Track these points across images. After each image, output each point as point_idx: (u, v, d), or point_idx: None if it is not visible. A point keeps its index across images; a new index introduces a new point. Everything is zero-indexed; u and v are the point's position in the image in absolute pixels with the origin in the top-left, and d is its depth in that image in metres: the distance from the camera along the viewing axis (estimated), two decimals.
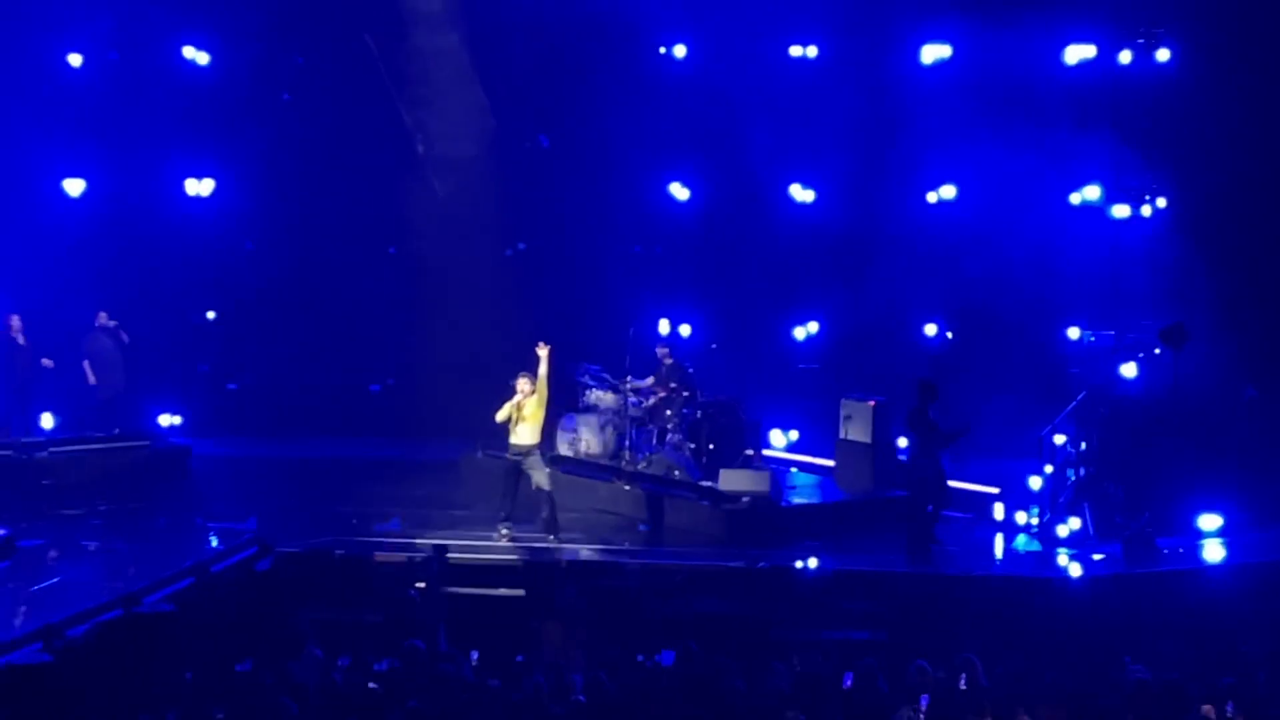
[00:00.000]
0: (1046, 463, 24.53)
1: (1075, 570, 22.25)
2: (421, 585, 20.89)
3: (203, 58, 30.69)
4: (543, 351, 23.01)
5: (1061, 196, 28.50)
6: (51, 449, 26.34)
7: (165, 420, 30.00)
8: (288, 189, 31.37)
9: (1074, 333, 28.19)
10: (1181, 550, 23.25)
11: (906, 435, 23.71)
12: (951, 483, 24.25)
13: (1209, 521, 23.80)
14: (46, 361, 27.61)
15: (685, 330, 30.56)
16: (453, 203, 31.39)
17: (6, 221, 29.52)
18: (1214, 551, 23.11)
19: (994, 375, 28.79)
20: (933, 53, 29.34)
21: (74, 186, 30.10)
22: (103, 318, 28.26)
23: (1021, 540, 24.08)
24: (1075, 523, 23.91)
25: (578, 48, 30.61)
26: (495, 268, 30.77)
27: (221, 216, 31.04)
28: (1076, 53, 27.96)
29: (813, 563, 22.05)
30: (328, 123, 31.07)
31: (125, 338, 28.28)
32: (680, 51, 30.97)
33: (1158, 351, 24.90)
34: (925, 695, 16.93)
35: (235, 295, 31.50)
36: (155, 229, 30.78)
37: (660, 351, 26.90)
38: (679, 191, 31.26)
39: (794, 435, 29.48)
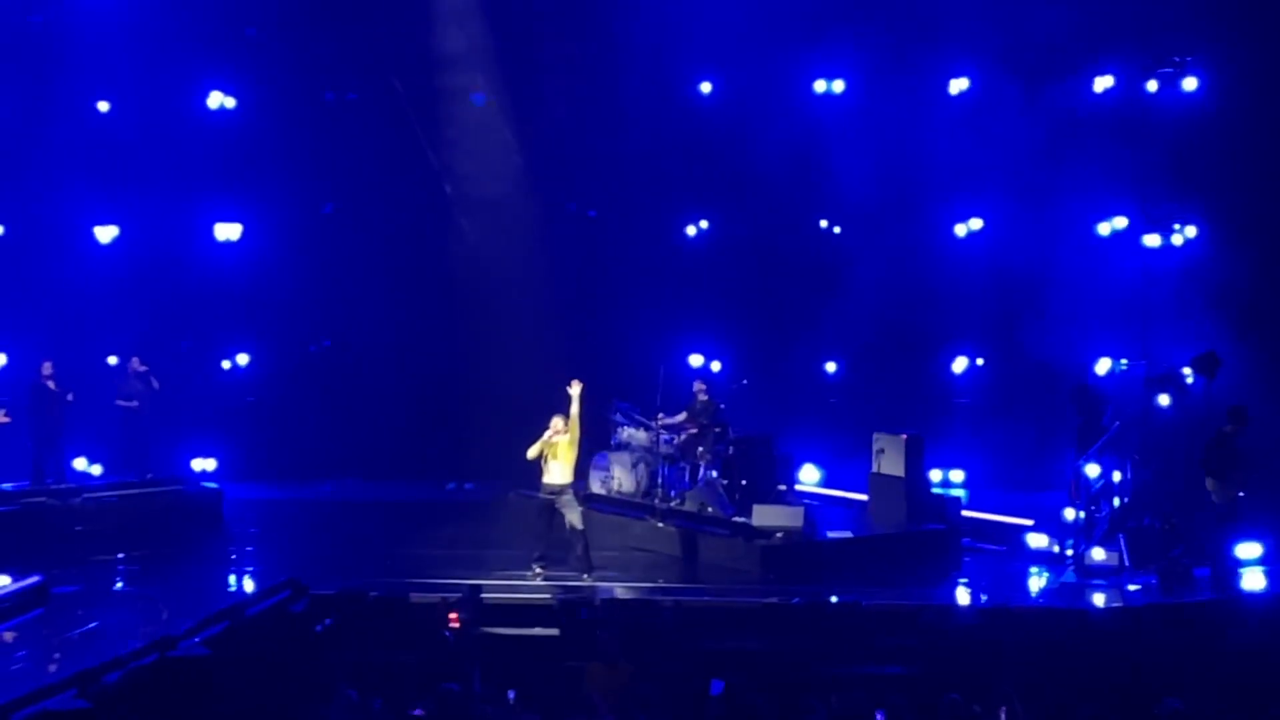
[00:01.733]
0: (1082, 494, 24.44)
1: (1111, 602, 22.15)
2: (455, 625, 20.85)
3: (230, 102, 30.81)
4: (574, 390, 22.96)
5: (1090, 227, 28.49)
6: (85, 495, 26.44)
7: (198, 464, 30.06)
8: (316, 232, 31.45)
9: (1105, 364, 28.13)
10: (1218, 579, 23.14)
11: (1208, 461, 23.14)
12: (984, 515, 24.15)
13: (1248, 550, 23.67)
14: (69, 396, 27.61)
15: (716, 366, 30.58)
16: (482, 243, 31.45)
17: (39, 268, 29.65)
18: (1254, 580, 22.98)
19: (1024, 406, 28.83)
20: (958, 85, 29.41)
21: (105, 233, 30.23)
22: (135, 363, 28.33)
23: (1056, 572, 23.97)
24: (1111, 554, 23.77)
25: (602, 86, 30.68)
26: (526, 307, 30.76)
27: (252, 260, 31.10)
28: (1102, 83, 27.99)
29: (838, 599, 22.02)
30: (355, 166, 31.14)
31: (156, 384, 28.30)
32: (706, 88, 31.05)
33: (1190, 380, 24.79)
34: None
35: (266, 338, 31.54)
36: (186, 273, 30.86)
37: (697, 386, 26.88)
38: (705, 225, 31.38)
39: (822, 473, 29.43)
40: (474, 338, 30.88)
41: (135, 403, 28.09)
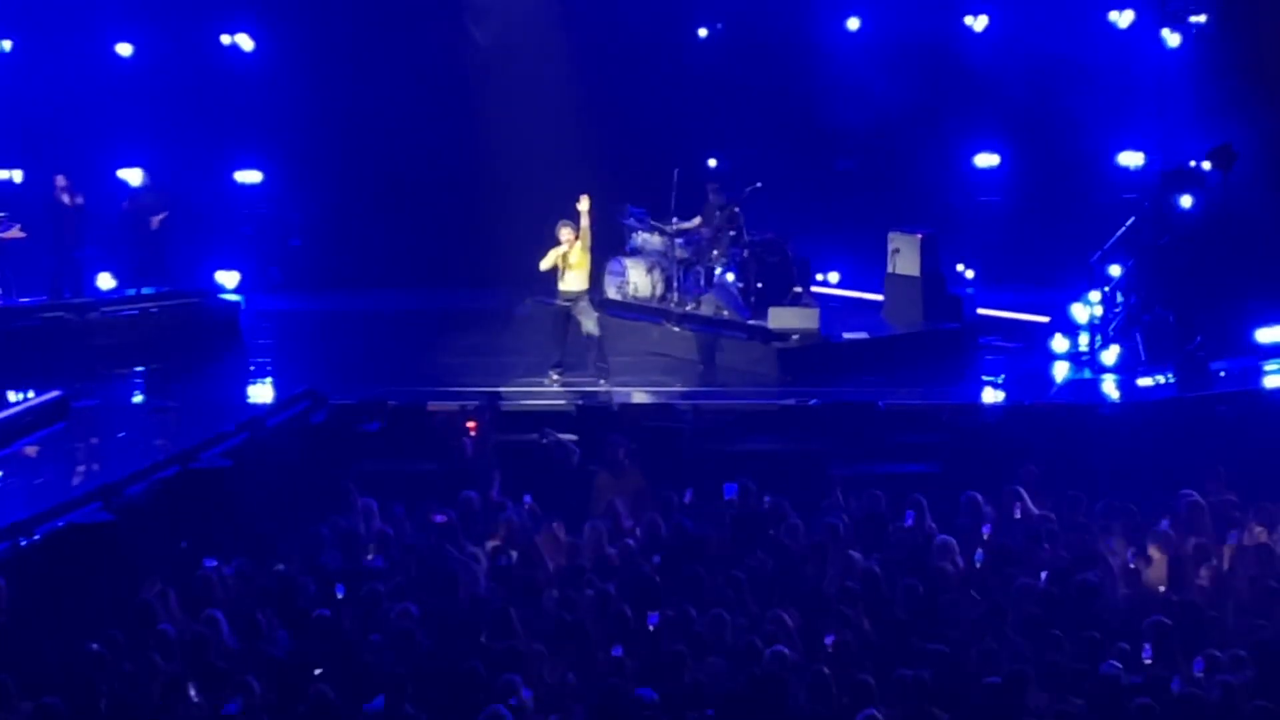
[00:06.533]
0: (1096, 290, 24.41)
1: (1128, 396, 22.21)
2: (473, 432, 20.98)
3: None
4: (583, 205, 22.85)
5: (1103, 15, 28.20)
6: (102, 308, 26.48)
7: (220, 277, 30.05)
8: (329, 43, 31.15)
9: (1124, 157, 27.96)
10: (1235, 372, 23.21)
11: None
12: (1001, 313, 24.15)
13: (1267, 335, 23.66)
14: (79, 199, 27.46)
15: (712, 162, 30.34)
16: (494, 50, 31.16)
17: (52, 82, 29.45)
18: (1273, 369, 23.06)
19: (1043, 202, 28.70)
20: None
21: (125, 49, 30.05)
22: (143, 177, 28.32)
23: (1072, 368, 24.01)
24: (1126, 349, 23.78)
25: None
26: (540, 112, 30.51)
27: (264, 71, 30.90)
28: None
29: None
30: None
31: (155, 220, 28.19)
32: None
33: (1207, 171, 24.61)
34: (987, 525, 17.03)
35: (283, 151, 31.39)
36: (203, 84, 30.68)
37: (711, 187, 26.70)
38: (718, 26, 31.14)
39: (836, 276, 29.35)
40: (487, 144, 30.63)
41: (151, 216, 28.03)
